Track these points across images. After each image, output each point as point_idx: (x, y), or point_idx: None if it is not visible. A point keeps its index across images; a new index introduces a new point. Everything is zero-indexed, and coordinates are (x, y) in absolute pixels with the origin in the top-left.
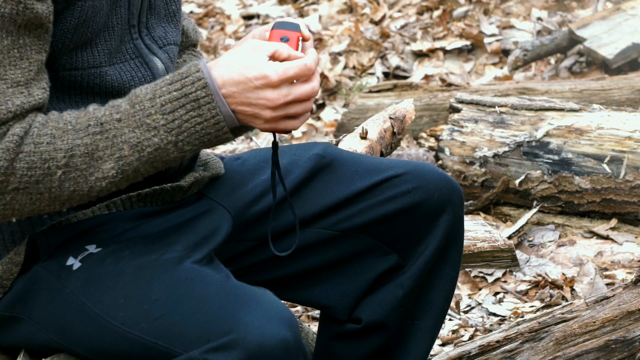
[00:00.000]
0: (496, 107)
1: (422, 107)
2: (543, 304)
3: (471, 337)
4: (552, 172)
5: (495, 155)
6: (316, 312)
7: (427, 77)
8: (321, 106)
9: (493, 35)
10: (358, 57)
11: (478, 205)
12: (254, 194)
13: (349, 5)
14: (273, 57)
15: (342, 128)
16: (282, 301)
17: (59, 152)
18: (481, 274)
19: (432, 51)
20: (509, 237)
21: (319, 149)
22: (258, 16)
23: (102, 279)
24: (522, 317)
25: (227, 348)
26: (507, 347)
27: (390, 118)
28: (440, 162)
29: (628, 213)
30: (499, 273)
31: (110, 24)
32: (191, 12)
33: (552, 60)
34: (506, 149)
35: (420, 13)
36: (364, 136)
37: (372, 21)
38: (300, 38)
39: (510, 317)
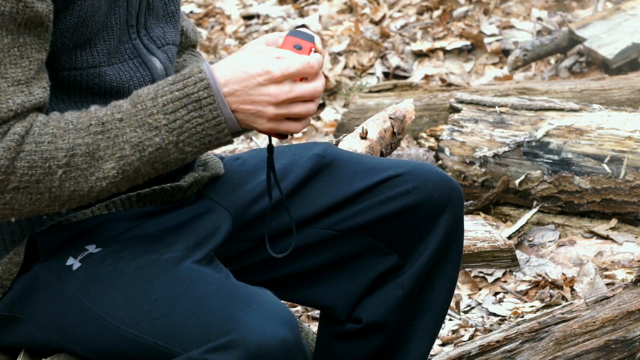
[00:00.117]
0: (496, 107)
1: (422, 107)
2: (543, 304)
3: (471, 337)
4: (552, 172)
5: (495, 155)
6: (316, 312)
7: (427, 77)
8: (321, 106)
9: (493, 35)
10: (358, 57)
11: (478, 205)
12: (254, 193)
13: (349, 5)
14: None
15: (342, 128)
16: (282, 301)
17: (60, 151)
18: (481, 274)
19: (432, 51)
20: (509, 237)
21: (319, 149)
22: (258, 16)
23: (102, 279)
24: (522, 317)
25: (227, 348)
26: (507, 347)
27: (390, 118)
28: (440, 162)
29: (628, 213)
30: (499, 273)
31: (108, 23)
32: (191, 12)
33: (552, 60)
34: (506, 149)
35: (420, 13)
36: (364, 136)
37: (372, 21)
38: (313, 49)
39: (510, 317)
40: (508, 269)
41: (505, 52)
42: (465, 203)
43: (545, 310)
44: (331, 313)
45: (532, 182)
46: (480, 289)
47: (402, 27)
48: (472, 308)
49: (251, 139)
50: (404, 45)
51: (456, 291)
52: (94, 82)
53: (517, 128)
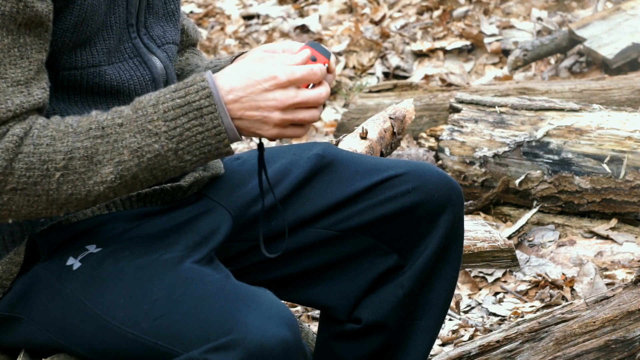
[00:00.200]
0: (496, 107)
1: (422, 107)
2: (543, 304)
3: (471, 337)
4: (552, 172)
5: (495, 155)
6: (316, 312)
7: (427, 77)
8: None
9: (493, 35)
10: (358, 57)
11: (478, 205)
12: (254, 193)
13: (349, 5)
14: None
15: (342, 128)
16: (282, 301)
17: (58, 154)
18: (481, 274)
19: (432, 51)
20: (509, 237)
21: (319, 149)
22: (258, 16)
23: (102, 279)
24: (522, 317)
25: (227, 348)
26: (507, 347)
27: (390, 118)
28: (440, 162)
29: (628, 213)
30: (499, 273)
31: (108, 23)
32: (191, 12)
33: (552, 60)
34: (506, 149)
35: (420, 13)
36: (364, 136)
37: (372, 21)
38: (326, 66)
39: (510, 317)
40: (508, 269)
41: (505, 52)
42: (465, 203)
43: (545, 310)
44: (331, 313)
45: (532, 182)
46: (480, 289)
47: (402, 27)
48: (472, 308)
49: (251, 139)
50: (404, 45)
51: (456, 291)
52: (94, 81)
53: (517, 128)
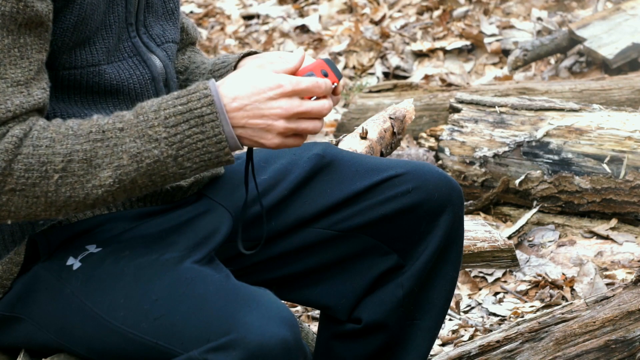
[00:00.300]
0: (496, 107)
1: (422, 107)
2: (543, 304)
3: (471, 337)
4: (552, 172)
5: (495, 155)
6: (316, 312)
7: (427, 77)
8: None
9: (493, 35)
10: (358, 57)
11: (478, 205)
12: (254, 193)
13: (349, 5)
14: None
15: (342, 128)
16: (282, 301)
17: (57, 156)
18: (481, 274)
19: (432, 51)
20: (509, 237)
21: (319, 148)
22: (258, 16)
23: (102, 279)
24: (522, 317)
25: (227, 348)
26: (507, 347)
27: (390, 118)
28: (440, 162)
29: (628, 213)
30: (499, 273)
31: (107, 22)
32: (191, 12)
33: (552, 60)
34: (506, 149)
35: (420, 13)
36: (364, 136)
37: (372, 21)
38: (335, 85)
39: (510, 317)
40: (508, 269)
41: (505, 52)
42: (465, 203)
43: (545, 310)
44: (331, 313)
45: (532, 182)
46: (480, 289)
47: (402, 27)
48: (472, 308)
49: None
50: (404, 45)
51: (456, 291)
52: (93, 80)
53: (517, 128)
